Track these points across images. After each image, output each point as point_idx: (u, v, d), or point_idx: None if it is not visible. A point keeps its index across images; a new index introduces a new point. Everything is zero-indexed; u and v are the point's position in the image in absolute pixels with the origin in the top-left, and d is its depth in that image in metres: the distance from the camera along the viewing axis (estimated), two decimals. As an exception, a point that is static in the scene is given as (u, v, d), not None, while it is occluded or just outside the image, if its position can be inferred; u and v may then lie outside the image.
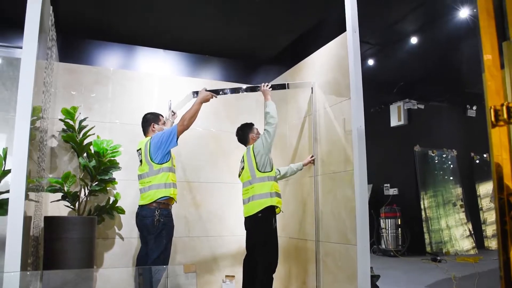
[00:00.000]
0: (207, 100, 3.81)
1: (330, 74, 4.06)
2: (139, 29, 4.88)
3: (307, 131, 4.42)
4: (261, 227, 3.78)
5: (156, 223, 3.55)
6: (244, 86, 4.41)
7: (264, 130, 3.87)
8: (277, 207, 3.82)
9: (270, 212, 3.76)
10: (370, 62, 6.94)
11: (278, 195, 3.85)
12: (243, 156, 3.96)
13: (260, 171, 3.80)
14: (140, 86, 4.82)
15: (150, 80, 4.87)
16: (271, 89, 4.09)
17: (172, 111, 4.49)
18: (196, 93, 4.03)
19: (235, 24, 4.82)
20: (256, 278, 3.77)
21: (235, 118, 5.15)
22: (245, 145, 4.07)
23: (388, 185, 8.54)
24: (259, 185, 3.79)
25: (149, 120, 3.90)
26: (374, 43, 6.26)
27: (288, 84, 4.40)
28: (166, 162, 3.67)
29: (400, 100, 8.14)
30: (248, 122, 4.20)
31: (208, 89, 3.88)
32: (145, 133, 3.92)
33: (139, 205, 3.73)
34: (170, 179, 3.67)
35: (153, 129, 3.86)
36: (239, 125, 4.18)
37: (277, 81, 5.01)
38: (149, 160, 3.66)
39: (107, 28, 4.80)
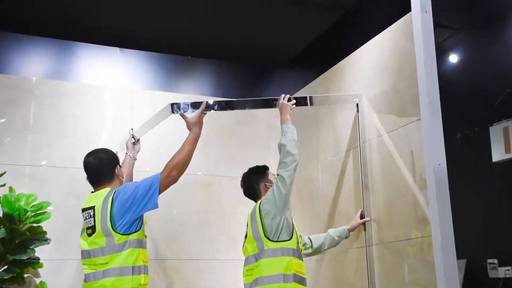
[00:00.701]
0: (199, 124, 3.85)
1: (387, 81, 4.02)
2: (79, 16, 4.80)
3: (351, 174, 4.37)
4: None
5: None
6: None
7: (277, 175, 3.83)
8: None
9: None
10: (452, 58, 6.78)
11: (300, 280, 3.71)
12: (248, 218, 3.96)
13: (270, 240, 3.73)
14: (83, 105, 4.74)
15: (98, 95, 4.82)
16: (294, 105, 4.05)
17: (133, 136, 4.46)
18: (177, 106, 3.95)
19: (233, 7, 4.80)
20: None
21: (236, 155, 5.16)
22: (255, 201, 4.06)
23: (495, 261, 8.20)
24: (268, 261, 3.69)
25: (115, 160, 3.87)
26: (458, 27, 6.03)
27: (310, 98, 4.28)
28: (136, 231, 3.58)
29: (507, 119, 7.95)
30: (260, 164, 4.21)
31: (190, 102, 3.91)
32: (104, 181, 3.79)
33: None
34: (141, 259, 3.56)
35: (120, 174, 3.86)
36: (245, 169, 4.22)
37: (300, 94, 5.02)
38: (108, 227, 3.53)
39: (25, 12, 4.75)
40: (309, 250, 4.16)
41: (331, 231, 4.23)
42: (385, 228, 3.96)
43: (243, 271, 3.88)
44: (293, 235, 3.79)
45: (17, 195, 4.12)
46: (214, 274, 4.93)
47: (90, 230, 3.61)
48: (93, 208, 3.64)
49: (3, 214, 4.04)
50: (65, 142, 4.64)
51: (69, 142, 4.63)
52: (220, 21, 4.99)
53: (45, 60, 4.91)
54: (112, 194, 3.58)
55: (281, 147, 3.84)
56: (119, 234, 3.52)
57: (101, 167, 3.79)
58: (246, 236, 3.92)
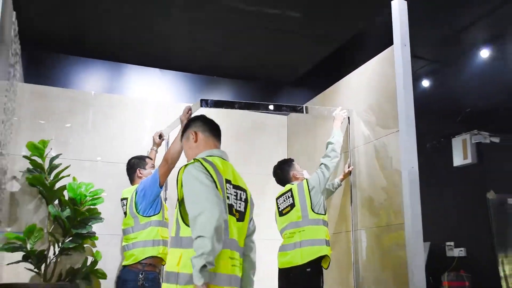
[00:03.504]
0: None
1: (373, 100, 4.14)
2: (128, 43, 4.97)
3: (342, 174, 4.40)
4: (309, 284, 3.85)
5: None
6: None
7: (321, 164, 4.06)
8: (328, 259, 3.93)
9: (319, 266, 3.89)
10: (425, 83, 6.87)
11: (329, 245, 3.95)
12: (289, 192, 4.09)
13: (314, 212, 3.94)
14: (130, 114, 4.85)
15: (142, 106, 4.91)
16: (346, 114, 4.31)
17: (160, 134, 4.55)
18: (205, 102, 4.11)
19: (249, 37, 4.90)
20: None
21: (250, 155, 5.21)
22: (284, 185, 4.26)
23: (452, 243, 8.24)
24: (313, 228, 3.90)
25: (134, 166, 4.22)
26: (430, 59, 6.24)
27: (306, 107, 4.50)
28: (155, 214, 3.90)
29: (466, 132, 7.95)
30: (286, 158, 4.50)
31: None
32: (131, 181, 4.24)
33: (122, 266, 4.01)
34: (160, 234, 3.87)
35: (140, 175, 4.16)
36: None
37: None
38: (134, 212, 3.91)
39: (87, 40, 4.87)
40: None
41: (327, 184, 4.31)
42: (367, 217, 4.06)
43: (284, 234, 4.03)
44: (326, 211, 4.05)
45: (79, 183, 4.25)
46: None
47: (125, 215, 4.04)
48: (126, 199, 4.06)
49: (68, 198, 4.18)
50: (116, 143, 4.74)
51: (119, 143, 4.74)
52: (240, 48, 5.10)
53: (101, 77, 4.97)
54: (136, 187, 3.97)
55: (329, 144, 4.06)
56: (142, 216, 3.87)
57: (129, 170, 4.26)
58: (290, 206, 4.01)
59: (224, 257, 2.52)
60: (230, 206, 2.65)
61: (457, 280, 7.83)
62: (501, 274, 7.95)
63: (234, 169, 2.82)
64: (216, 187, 2.54)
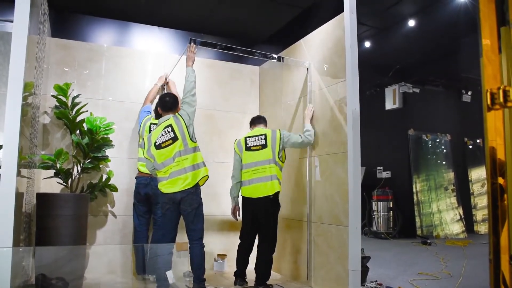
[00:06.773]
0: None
1: (326, 55, 4.05)
2: (133, 6, 4.84)
3: (301, 112, 4.39)
4: (276, 209, 3.94)
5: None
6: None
7: (305, 132, 4.04)
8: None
9: (276, 194, 3.93)
10: (367, 44, 6.91)
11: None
12: (263, 135, 3.99)
13: (278, 157, 3.95)
14: (134, 63, 4.77)
15: (144, 57, 4.82)
16: (313, 110, 4.14)
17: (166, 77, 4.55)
18: (193, 41, 3.93)
19: (231, 2, 4.81)
20: (262, 260, 3.89)
21: (230, 98, 5.18)
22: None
23: (381, 168, 8.56)
24: (277, 168, 3.93)
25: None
26: (371, 25, 6.24)
27: (282, 57, 4.38)
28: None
29: (395, 84, 8.10)
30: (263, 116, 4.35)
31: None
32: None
33: (141, 173, 4.16)
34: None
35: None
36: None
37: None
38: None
39: (100, 3, 4.75)
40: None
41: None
42: (321, 146, 4.03)
43: (258, 168, 3.90)
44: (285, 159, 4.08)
45: (95, 117, 4.22)
46: (214, 171, 4.81)
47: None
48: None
49: (87, 128, 4.15)
50: (124, 86, 4.68)
51: (126, 86, 4.69)
52: (224, 12, 4.98)
53: (112, 33, 4.84)
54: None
55: (306, 131, 4.04)
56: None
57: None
58: (262, 145, 3.92)
59: (161, 172, 3.53)
60: (159, 146, 3.51)
61: (383, 195, 8.20)
62: (414, 190, 8.37)
63: (171, 117, 3.53)
64: (145, 144, 3.68)
